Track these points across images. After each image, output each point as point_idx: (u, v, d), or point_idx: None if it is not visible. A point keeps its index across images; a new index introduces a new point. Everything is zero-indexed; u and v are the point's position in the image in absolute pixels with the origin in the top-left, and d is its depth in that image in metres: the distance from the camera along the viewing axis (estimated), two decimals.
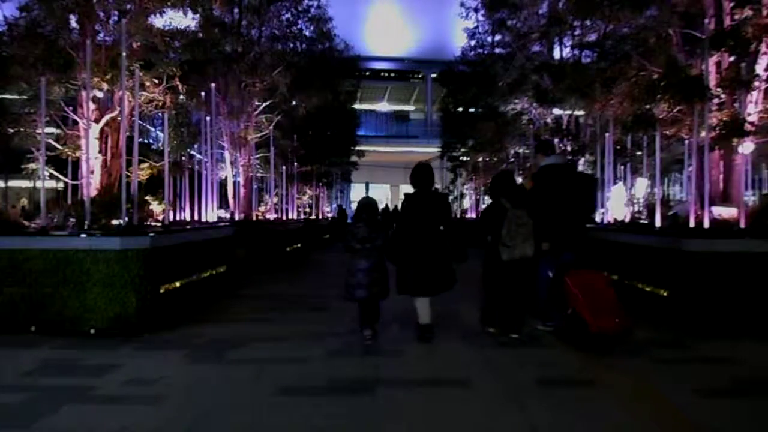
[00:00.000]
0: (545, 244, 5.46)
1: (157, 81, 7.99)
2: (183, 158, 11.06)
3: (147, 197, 8.73)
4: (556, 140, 14.33)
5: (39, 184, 6.99)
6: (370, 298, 5.29)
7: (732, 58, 7.86)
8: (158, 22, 8.02)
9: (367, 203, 5.58)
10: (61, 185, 9.23)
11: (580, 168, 13.34)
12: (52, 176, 8.49)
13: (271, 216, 14.31)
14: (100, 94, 7.79)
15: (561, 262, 5.39)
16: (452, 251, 5.36)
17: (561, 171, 5.76)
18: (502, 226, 5.30)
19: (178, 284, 6.35)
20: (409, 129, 39.47)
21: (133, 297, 5.52)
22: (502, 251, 5.29)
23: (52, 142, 8.00)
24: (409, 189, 5.70)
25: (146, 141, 11.95)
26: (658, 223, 7.86)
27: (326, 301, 7.61)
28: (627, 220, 9.51)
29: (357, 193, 33.65)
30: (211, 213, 9.87)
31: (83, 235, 5.71)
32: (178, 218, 10.60)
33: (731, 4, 7.58)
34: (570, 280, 5.08)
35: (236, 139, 12.99)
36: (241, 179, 13.46)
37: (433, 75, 32.82)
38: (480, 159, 20.00)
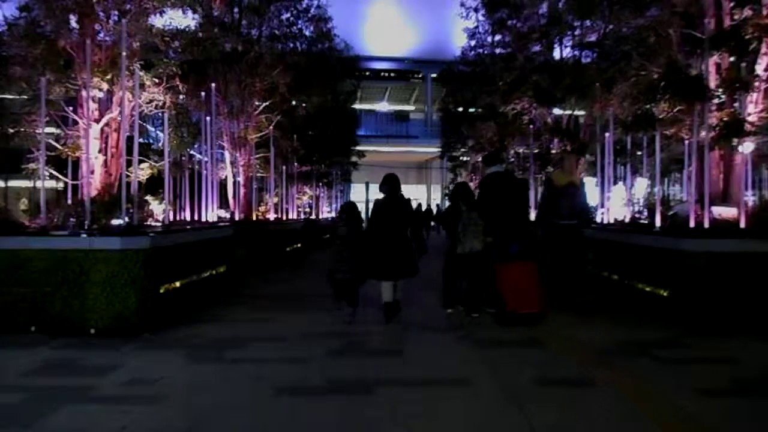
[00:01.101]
0: (488, 238, 6.38)
1: (157, 81, 7.98)
2: (183, 158, 11.05)
3: (147, 197, 8.72)
4: (556, 140, 14.36)
5: (39, 184, 6.98)
6: (347, 282, 6.30)
7: (732, 59, 7.85)
8: (158, 22, 8.01)
9: (348, 206, 6.77)
10: (61, 185, 9.21)
11: (580, 165, 13.41)
12: (52, 176, 8.48)
13: (271, 216, 14.31)
14: (100, 94, 7.78)
15: (501, 254, 6.28)
16: (416, 244, 6.36)
17: (501, 177, 6.75)
18: (458, 225, 6.30)
19: (178, 284, 6.35)
20: (409, 129, 39.40)
21: (133, 297, 5.52)
22: (457, 245, 6.32)
23: (52, 142, 7.99)
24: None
25: (146, 141, 11.94)
26: (658, 223, 7.86)
27: (326, 301, 7.61)
28: (627, 220, 9.51)
29: (357, 193, 33.61)
30: (211, 213, 9.86)
31: (83, 235, 5.71)
32: (178, 218, 10.59)
33: (731, 4, 7.57)
34: (499, 269, 6.15)
35: (236, 139, 12.98)
36: (241, 179, 13.45)
37: (433, 75, 32.77)
38: (480, 159, 19.99)
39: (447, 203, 29.59)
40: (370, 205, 7.41)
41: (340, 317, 6.32)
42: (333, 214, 25.93)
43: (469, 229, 6.24)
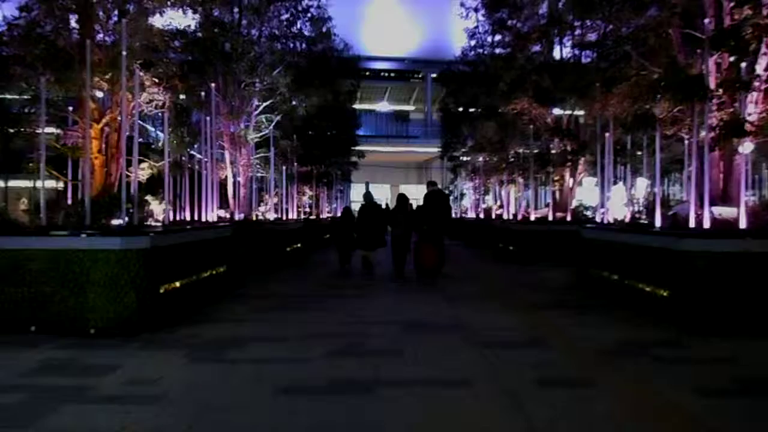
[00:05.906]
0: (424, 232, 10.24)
1: (157, 81, 7.98)
2: (183, 158, 11.05)
3: (147, 197, 8.73)
4: (556, 140, 14.36)
5: (39, 184, 6.98)
6: (345, 251, 11.66)
7: (732, 59, 7.85)
8: (158, 22, 8.01)
9: (345, 210, 12.05)
10: (61, 185, 9.22)
11: (582, 170, 13.43)
12: (52, 176, 8.48)
13: (271, 216, 14.31)
14: (100, 94, 7.78)
15: (426, 238, 10.10)
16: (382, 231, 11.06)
17: (434, 195, 10.35)
18: (392, 221, 10.78)
19: (178, 284, 6.35)
20: (409, 129, 39.40)
21: (133, 297, 5.52)
22: (391, 232, 10.72)
23: (52, 142, 8.00)
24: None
25: (146, 141, 11.95)
26: (658, 223, 7.87)
27: (326, 301, 7.62)
28: (627, 220, 9.52)
29: (357, 193, 33.56)
30: (211, 213, 9.87)
31: (83, 235, 5.71)
32: (178, 218, 10.60)
33: (731, 4, 7.57)
34: (419, 246, 10.11)
35: (236, 139, 12.99)
36: (241, 179, 13.45)
37: (433, 75, 32.77)
38: (480, 159, 20.02)
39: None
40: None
41: (339, 317, 6.36)
42: (332, 214, 26.00)
43: (398, 224, 10.51)
